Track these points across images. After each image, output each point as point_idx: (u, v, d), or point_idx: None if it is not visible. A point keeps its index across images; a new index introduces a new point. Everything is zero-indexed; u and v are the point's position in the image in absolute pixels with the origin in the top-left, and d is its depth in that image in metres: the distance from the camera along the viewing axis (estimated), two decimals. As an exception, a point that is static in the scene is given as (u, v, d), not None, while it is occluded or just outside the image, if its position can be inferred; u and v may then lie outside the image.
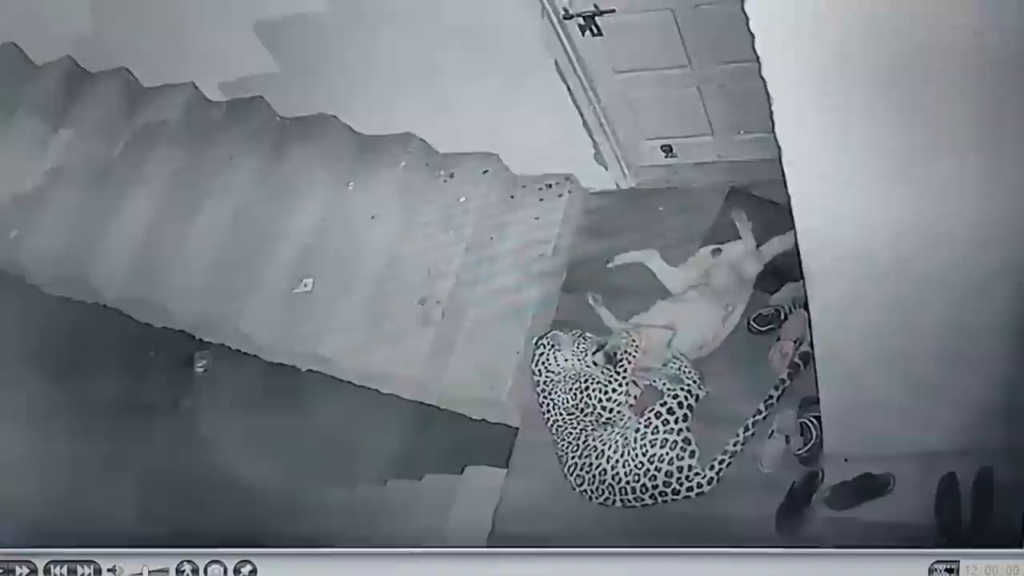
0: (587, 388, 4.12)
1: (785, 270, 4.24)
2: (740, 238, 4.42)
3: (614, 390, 4.09)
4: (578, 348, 4.19)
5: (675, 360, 4.16)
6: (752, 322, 4.25)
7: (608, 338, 4.23)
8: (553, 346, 4.20)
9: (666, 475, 3.90)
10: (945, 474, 3.62)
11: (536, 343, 4.28)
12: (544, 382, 4.19)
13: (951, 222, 2.86)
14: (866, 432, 3.64)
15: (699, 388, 4.07)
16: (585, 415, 4.08)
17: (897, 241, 2.95)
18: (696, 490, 3.90)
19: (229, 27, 4.68)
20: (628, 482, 3.92)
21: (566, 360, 4.18)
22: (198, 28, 4.75)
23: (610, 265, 4.60)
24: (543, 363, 4.20)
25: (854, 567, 2.73)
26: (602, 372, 4.14)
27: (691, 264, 4.45)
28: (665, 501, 3.92)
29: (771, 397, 3.99)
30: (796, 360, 4.02)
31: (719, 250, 4.40)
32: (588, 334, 4.27)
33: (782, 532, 3.75)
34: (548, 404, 4.17)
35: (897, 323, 3.21)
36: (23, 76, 5.48)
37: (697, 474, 3.90)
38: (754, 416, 3.95)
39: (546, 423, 4.19)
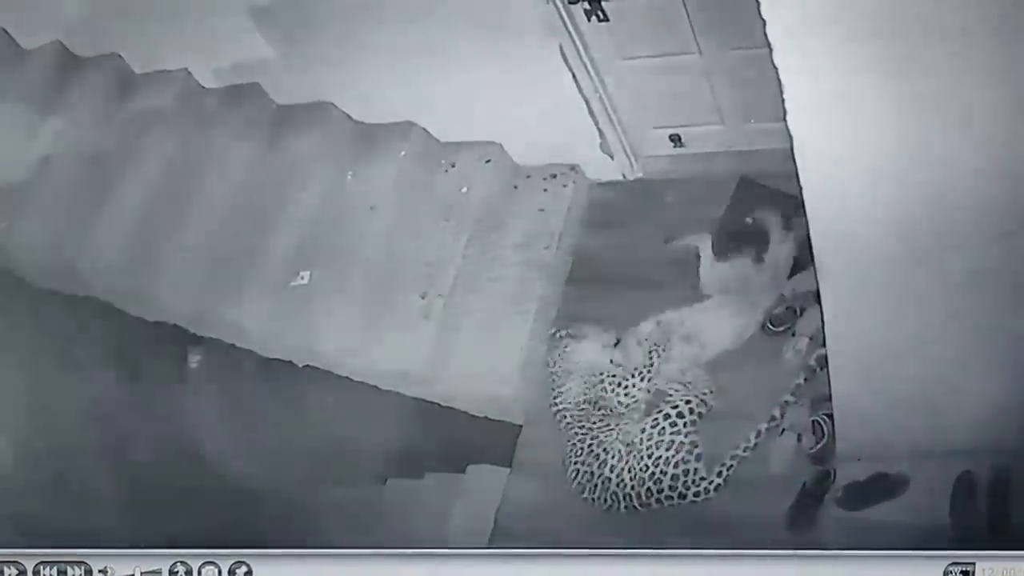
0: (602, 382, 4.14)
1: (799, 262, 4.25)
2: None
3: (632, 386, 4.11)
4: (601, 341, 4.23)
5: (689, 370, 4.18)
6: (768, 323, 4.24)
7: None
8: (576, 338, 4.23)
9: (672, 478, 3.91)
10: (961, 473, 3.62)
11: (556, 335, 4.35)
12: (560, 374, 4.22)
13: (966, 213, 2.87)
14: (880, 430, 3.64)
15: (712, 398, 4.08)
16: (597, 409, 4.10)
17: (911, 233, 2.95)
18: (703, 495, 3.91)
19: (224, 12, 4.67)
20: (633, 486, 3.93)
21: (585, 353, 4.21)
22: (192, 13, 4.75)
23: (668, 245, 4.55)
24: (565, 354, 4.23)
25: (867, 569, 2.73)
26: (620, 368, 4.16)
27: (733, 264, 4.43)
28: (671, 504, 3.92)
29: (787, 403, 3.99)
30: (812, 364, 4.01)
31: (762, 260, 4.38)
32: (610, 329, 4.29)
33: (793, 533, 3.75)
34: (560, 396, 4.20)
35: (911, 318, 3.22)
36: (11, 61, 5.46)
37: (703, 478, 3.90)
38: (768, 422, 3.95)
39: (554, 416, 4.21)
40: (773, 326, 4.23)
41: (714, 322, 4.24)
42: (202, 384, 4.80)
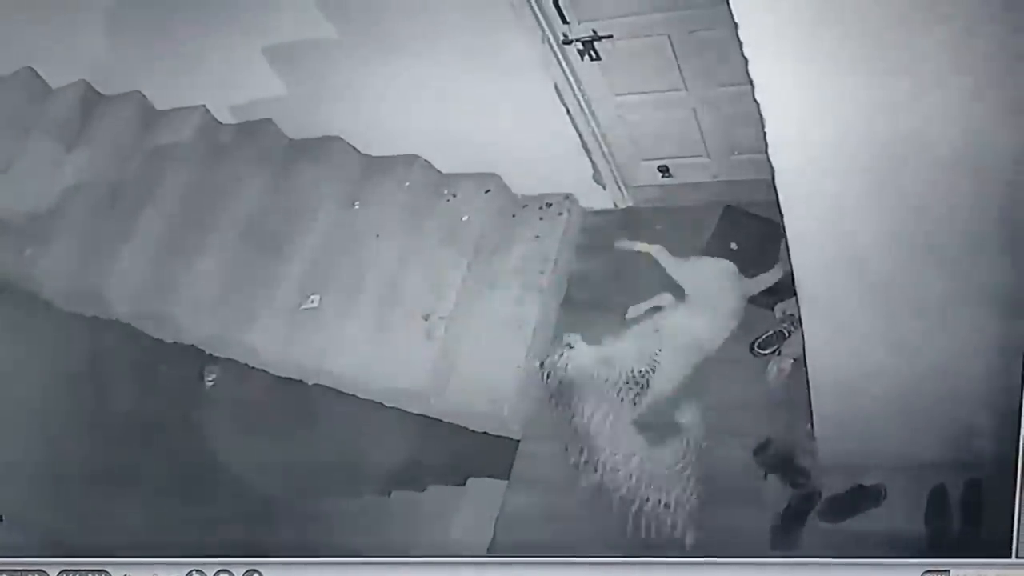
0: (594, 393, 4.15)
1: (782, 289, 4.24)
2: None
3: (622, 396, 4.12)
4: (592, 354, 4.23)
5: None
6: (756, 347, 4.23)
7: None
8: (570, 346, 4.24)
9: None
10: (935, 486, 3.61)
11: (556, 344, 4.32)
12: (554, 389, 4.21)
13: (943, 239, 2.87)
14: (858, 446, 3.63)
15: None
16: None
17: (889, 257, 2.96)
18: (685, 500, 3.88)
19: (240, 52, 4.70)
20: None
21: (576, 363, 4.21)
22: (210, 52, 4.77)
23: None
24: (559, 366, 4.23)
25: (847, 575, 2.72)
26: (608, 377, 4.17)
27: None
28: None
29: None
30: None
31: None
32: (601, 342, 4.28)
33: (777, 547, 3.73)
34: (553, 408, 4.19)
35: (889, 338, 3.22)
36: (39, 98, 5.48)
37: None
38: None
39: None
40: (761, 349, 4.22)
41: (697, 329, 4.24)
42: (217, 401, 4.79)
